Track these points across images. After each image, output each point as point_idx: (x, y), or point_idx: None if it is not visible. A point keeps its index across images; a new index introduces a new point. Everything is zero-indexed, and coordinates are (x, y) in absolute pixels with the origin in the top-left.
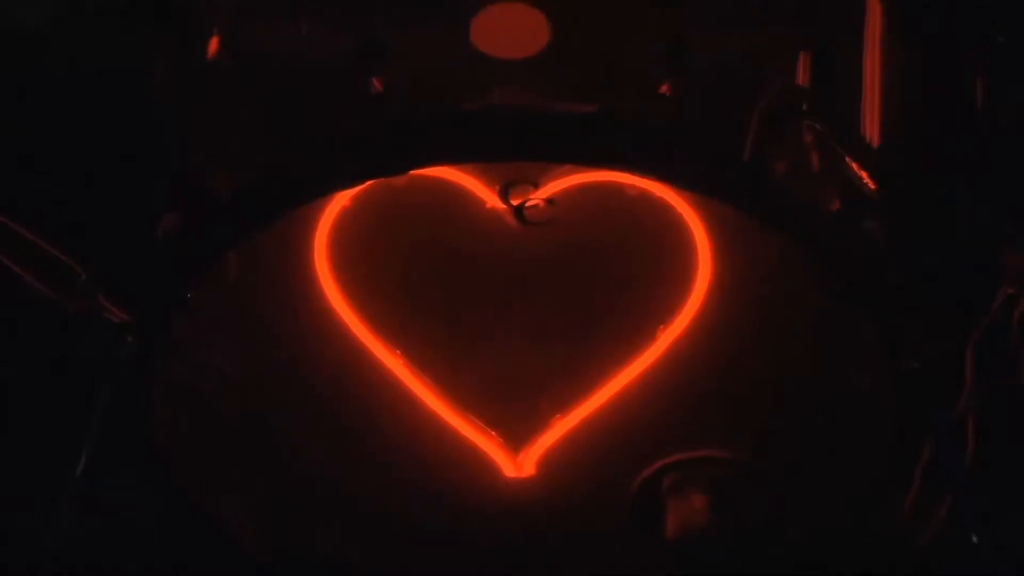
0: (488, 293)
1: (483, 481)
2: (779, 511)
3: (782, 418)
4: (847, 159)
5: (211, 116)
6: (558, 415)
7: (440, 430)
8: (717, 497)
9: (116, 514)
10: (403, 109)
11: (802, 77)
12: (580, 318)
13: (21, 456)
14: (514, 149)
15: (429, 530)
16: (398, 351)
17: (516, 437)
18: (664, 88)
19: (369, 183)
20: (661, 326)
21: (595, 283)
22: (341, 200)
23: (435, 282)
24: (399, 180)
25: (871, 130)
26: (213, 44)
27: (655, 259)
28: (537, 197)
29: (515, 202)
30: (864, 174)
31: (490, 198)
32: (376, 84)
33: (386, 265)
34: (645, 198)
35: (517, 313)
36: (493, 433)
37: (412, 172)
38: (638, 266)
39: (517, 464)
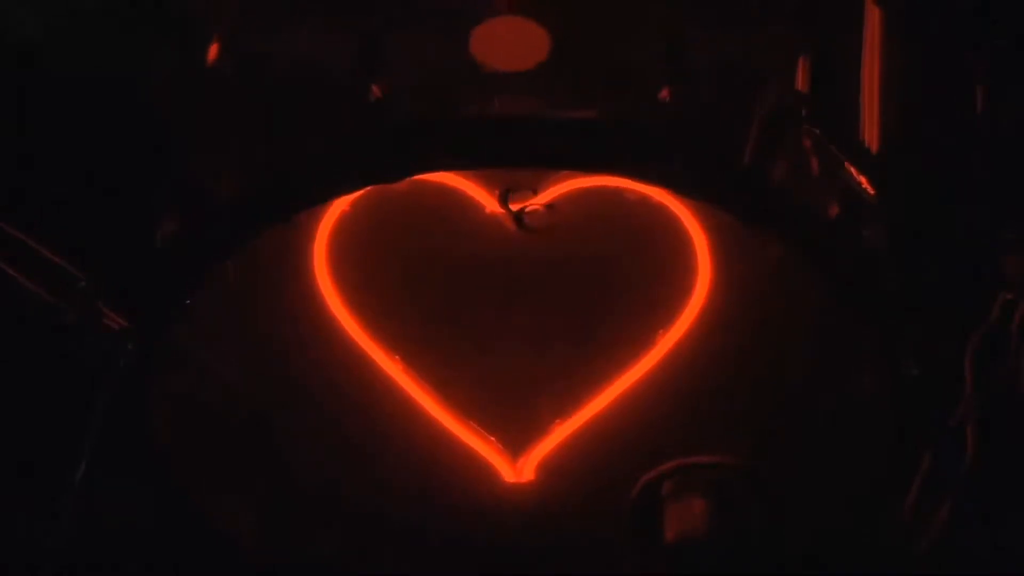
0: (487, 298)
1: (482, 486)
2: (779, 515)
3: (781, 423)
4: (846, 164)
5: (211, 121)
6: (558, 420)
7: (439, 435)
8: (717, 502)
9: (116, 515)
10: (403, 115)
11: (801, 80)
12: (579, 323)
13: (21, 457)
14: (514, 155)
15: (428, 535)
16: (397, 356)
17: (515, 442)
18: (664, 93)
19: (368, 188)
20: (661, 331)
21: (594, 288)
22: (340, 205)
23: (434, 287)
24: (398, 185)
25: (870, 133)
26: (213, 48)
27: (654, 264)
28: (537, 202)
29: (515, 207)
30: (863, 179)
31: (490, 203)
32: (375, 90)
33: (386, 270)
34: (645, 203)
35: (516, 318)
36: (492, 438)
37: (412, 177)
38: (637, 271)
39: (516, 469)
